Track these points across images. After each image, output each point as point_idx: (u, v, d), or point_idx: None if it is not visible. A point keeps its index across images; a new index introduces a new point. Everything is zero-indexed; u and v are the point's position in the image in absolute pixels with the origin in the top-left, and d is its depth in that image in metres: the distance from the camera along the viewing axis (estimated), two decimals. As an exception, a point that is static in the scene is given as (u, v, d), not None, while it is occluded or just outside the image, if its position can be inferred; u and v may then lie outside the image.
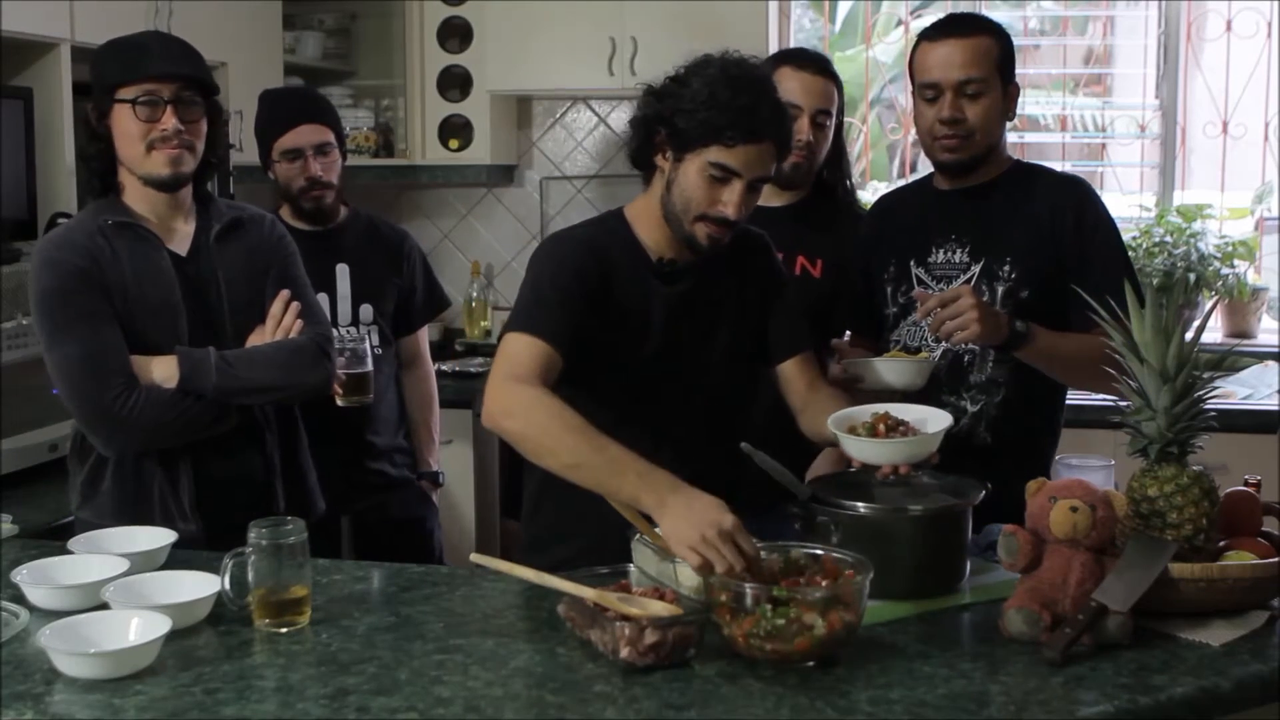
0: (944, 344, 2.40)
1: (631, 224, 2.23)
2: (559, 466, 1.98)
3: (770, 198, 2.82)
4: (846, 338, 2.68)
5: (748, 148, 2.06)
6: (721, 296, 2.26)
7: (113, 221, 2.34)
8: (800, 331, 2.34)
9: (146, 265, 2.34)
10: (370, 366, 2.85)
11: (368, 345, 2.90)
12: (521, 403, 2.01)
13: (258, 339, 2.41)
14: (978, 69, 2.37)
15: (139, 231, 2.35)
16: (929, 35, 2.44)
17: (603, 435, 1.94)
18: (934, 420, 2.11)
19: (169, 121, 2.29)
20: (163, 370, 2.30)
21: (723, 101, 2.05)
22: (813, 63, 2.78)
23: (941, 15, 2.61)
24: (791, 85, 2.73)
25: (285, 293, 2.45)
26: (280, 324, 2.42)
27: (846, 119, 2.92)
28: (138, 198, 2.37)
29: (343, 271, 3.09)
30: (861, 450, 2.07)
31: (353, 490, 3.03)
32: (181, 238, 2.41)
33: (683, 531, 1.82)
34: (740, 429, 2.25)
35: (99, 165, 2.37)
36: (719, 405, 2.26)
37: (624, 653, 1.68)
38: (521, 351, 2.07)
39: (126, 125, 2.30)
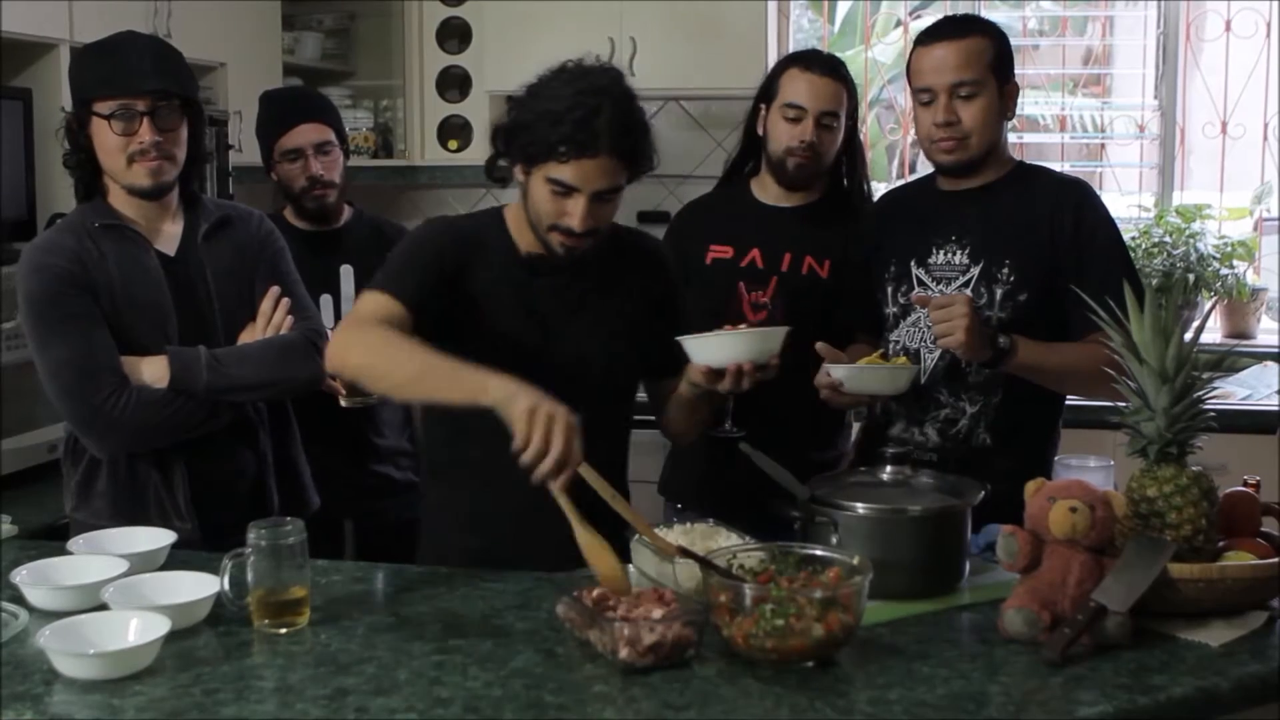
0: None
1: (506, 220, 2.25)
2: (404, 380, 2.00)
3: (780, 198, 2.83)
4: (855, 340, 2.67)
5: (582, 162, 2.05)
6: (602, 297, 2.24)
7: (99, 224, 2.34)
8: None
9: (134, 266, 2.34)
10: None
11: None
12: (358, 336, 2.05)
13: (248, 336, 2.41)
14: (970, 71, 2.38)
15: (126, 233, 2.35)
16: (923, 39, 2.45)
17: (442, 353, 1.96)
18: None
19: (145, 135, 2.29)
20: (153, 370, 2.30)
21: (556, 117, 2.04)
22: (820, 64, 2.76)
23: (940, 16, 2.62)
24: (798, 86, 2.73)
25: (275, 289, 2.45)
26: (270, 321, 2.42)
27: (847, 119, 2.91)
28: (124, 201, 2.37)
29: (346, 272, 3.09)
30: (700, 349, 2.12)
31: (356, 493, 3.03)
32: (169, 238, 2.41)
33: (524, 402, 1.82)
34: (623, 432, 2.30)
35: (83, 173, 2.38)
36: (601, 405, 2.20)
37: (623, 653, 1.68)
38: (368, 304, 2.11)
39: (105, 138, 2.30)
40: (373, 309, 2.09)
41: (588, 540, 1.87)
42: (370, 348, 2.03)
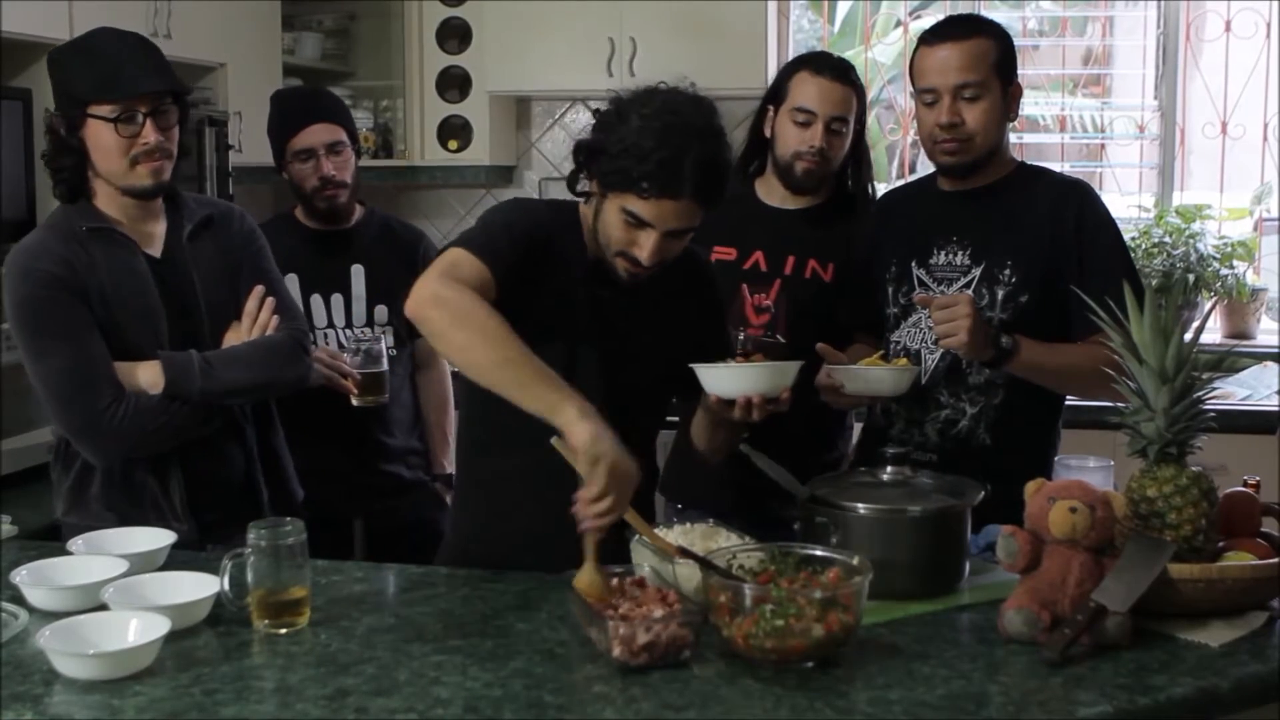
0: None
1: (582, 220, 2.21)
2: (482, 362, 1.93)
3: (784, 200, 2.82)
4: (856, 341, 2.67)
5: (662, 202, 2.02)
6: (657, 312, 2.22)
7: (87, 227, 2.32)
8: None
9: (123, 270, 2.32)
10: (385, 366, 2.85)
11: (383, 345, 2.89)
12: (457, 296, 1.96)
13: (234, 337, 2.40)
14: (974, 72, 2.37)
15: (114, 236, 2.33)
16: (926, 39, 2.44)
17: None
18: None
19: (150, 136, 2.28)
20: (147, 376, 2.29)
21: (643, 152, 2.00)
22: (831, 68, 2.73)
23: (940, 16, 2.61)
24: (808, 90, 2.71)
25: (259, 289, 2.44)
26: (256, 321, 2.42)
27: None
28: (110, 202, 2.35)
29: (358, 272, 3.08)
30: (712, 378, 2.10)
31: (366, 493, 3.03)
32: (154, 240, 2.40)
33: (598, 448, 1.81)
34: (655, 431, 2.29)
35: (70, 175, 2.34)
36: (639, 405, 2.21)
37: (615, 651, 1.68)
38: (465, 262, 2.02)
39: (105, 140, 2.28)
40: (468, 271, 2.01)
41: (591, 578, 1.85)
42: (460, 314, 1.94)
